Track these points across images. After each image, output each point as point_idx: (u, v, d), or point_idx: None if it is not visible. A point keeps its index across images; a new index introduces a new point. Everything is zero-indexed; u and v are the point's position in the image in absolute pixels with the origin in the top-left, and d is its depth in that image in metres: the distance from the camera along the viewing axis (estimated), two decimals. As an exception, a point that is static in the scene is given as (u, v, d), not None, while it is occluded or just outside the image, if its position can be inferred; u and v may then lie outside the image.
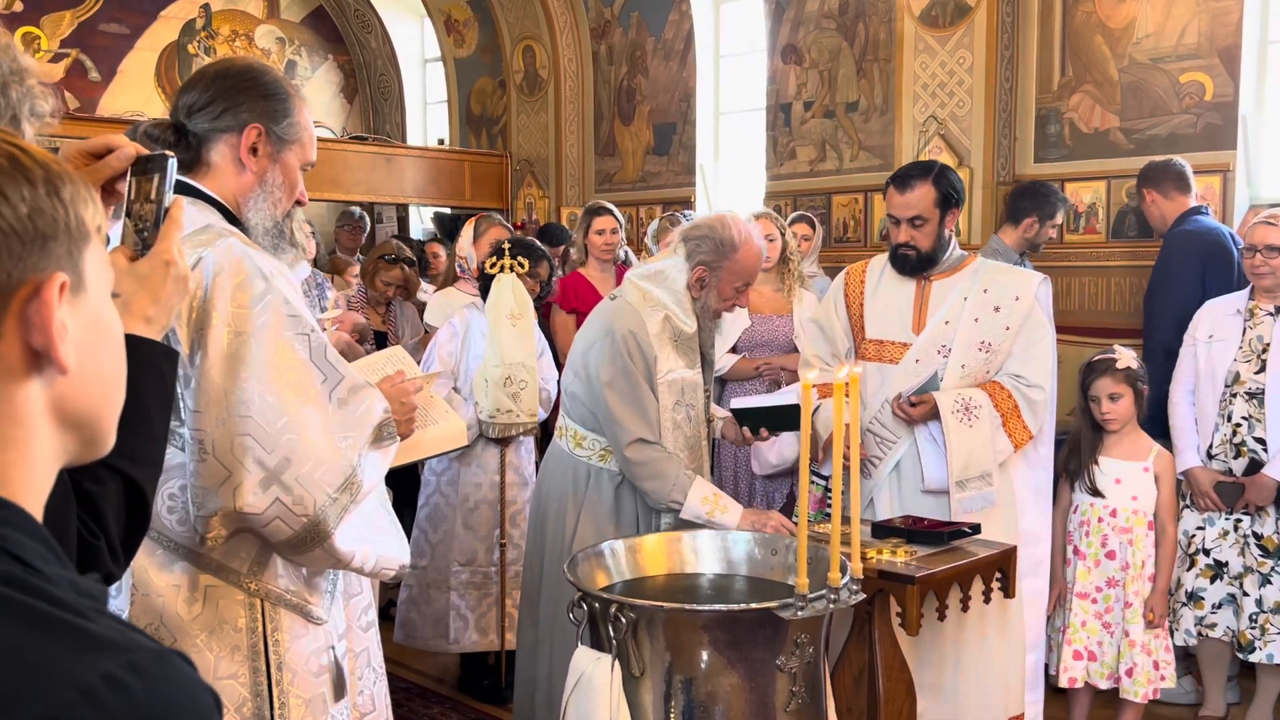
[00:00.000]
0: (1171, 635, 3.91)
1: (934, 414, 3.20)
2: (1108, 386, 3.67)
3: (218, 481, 1.76)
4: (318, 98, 10.55)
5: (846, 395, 2.18)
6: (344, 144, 8.90)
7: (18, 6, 8.67)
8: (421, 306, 5.79)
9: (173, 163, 1.43)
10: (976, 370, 3.26)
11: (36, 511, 0.82)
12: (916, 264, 3.31)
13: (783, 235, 4.64)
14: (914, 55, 6.26)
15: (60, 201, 0.81)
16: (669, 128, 8.26)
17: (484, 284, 4.28)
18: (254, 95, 1.94)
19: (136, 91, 9.35)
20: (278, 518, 1.77)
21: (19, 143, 0.82)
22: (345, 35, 10.67)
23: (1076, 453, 3.77)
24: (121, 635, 0.72)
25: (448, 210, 9.43)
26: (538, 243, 4.63)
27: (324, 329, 4.32)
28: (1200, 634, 3.93)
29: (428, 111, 10.78)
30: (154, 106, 9.39)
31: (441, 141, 10.05)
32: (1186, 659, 4.20)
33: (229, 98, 1.92)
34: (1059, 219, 5.27)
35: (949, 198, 3.23)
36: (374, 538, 1.94)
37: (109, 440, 0.90)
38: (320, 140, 8.09)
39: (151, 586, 1.84)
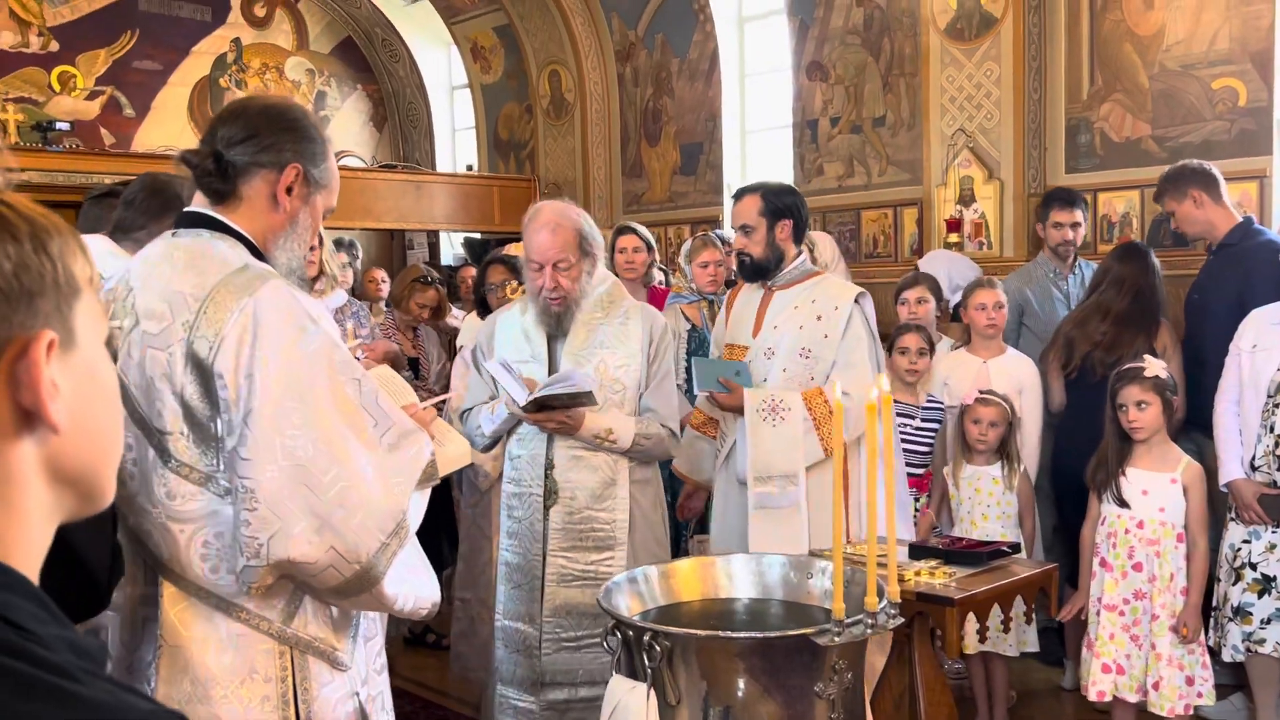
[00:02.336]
0: (1219, 651, 3.82)
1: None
2: (1136, 394, 3.62)
3: (270, 531, 1.73)
4: (348, 127, 10.67)
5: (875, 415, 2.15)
6: (374, 172, 8.98)
7: (54, 46, 8.84)
8: (449, 330, 5.84)
9: None
10: (799, 375, 3.48)
11: (32, 571, 0.80)
12: (752, 270, 3.61)
13: (810, 250, 4.60)
14: (940, 68, 6.23)
15: (48, 256, 0.80)
16: (695, 148, 8.27)
17: (480, 305, 4.42)
18: (297, 136, 1.93)
19: (170, 126, 9.49)
20: (331, 565, 1.75)
21: (3, 198, 0.80)
22: (374, 65, 10.78)
23: (1104, 463, 3.72)
24: (113, 698, 0.71)
25: (477, 235, 9.49)
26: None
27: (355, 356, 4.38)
28: (1249, 649, 3.84)
29: (456, 138, 10.86)
30: (187, 140, 9.52)
31: (470, 167, 10.12)
32: (1237, 675, 4.11)
33: (272, 134, 1.90)
34: (1055, 215, 5.00)
35: (776, 210, 3.51)
36: (411, 578, 1.93)
37: (108, 494, 0.89)
38: (350, 169, 8.20)
39: (180, 637, 1.82)
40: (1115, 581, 3.61)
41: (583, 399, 2.98)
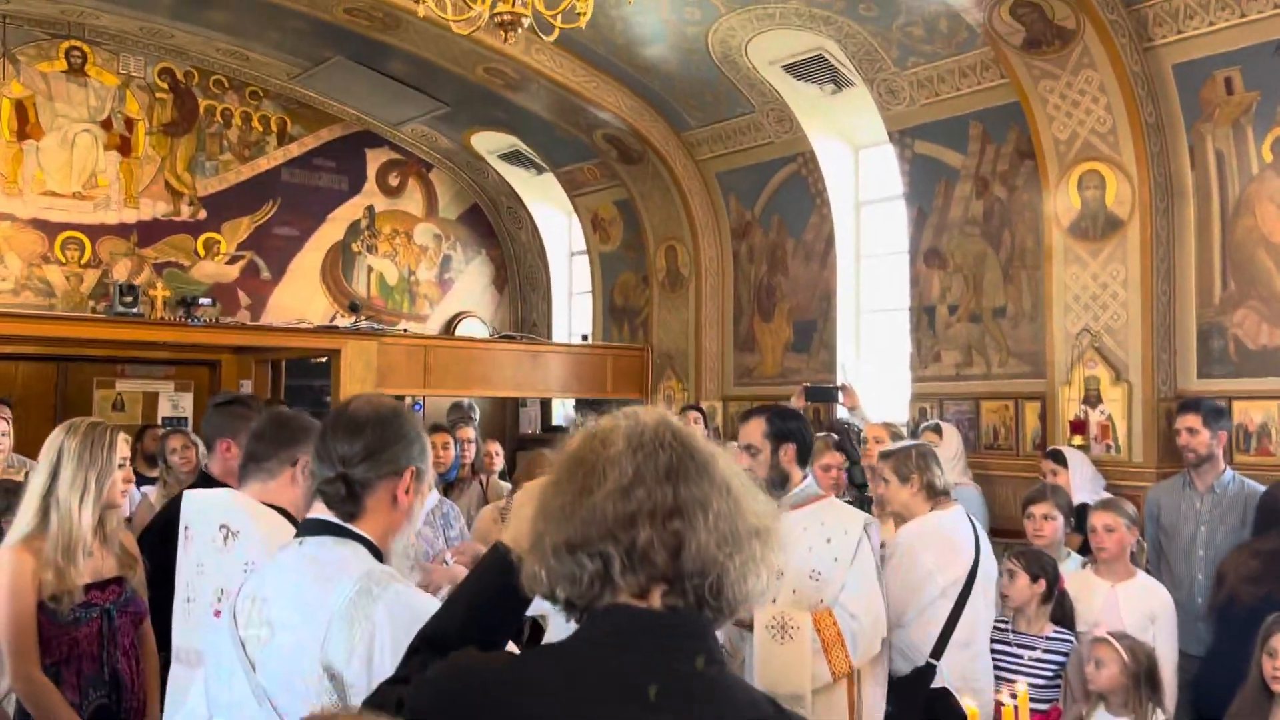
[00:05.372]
0: None
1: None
2: None
3: None
4: (470, 288, 11.03)
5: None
6: (493, 344, 9.20)
7: (202, 215, 9.42)
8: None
9: None
10: (809, 597, 3.47)
11: None
12: None
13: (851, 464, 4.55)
14: (1064, 265, 6.14)
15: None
16: (809, 325, 8.28)
17: None
18: (407, 441, 2.07)
19: (301, 287, 9.95)
20: None
21: None
22: (497, 230, 11.19)
23: (1242, 714, 3.40)
24: None
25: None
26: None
27: (444, 561, 4.41)
28: None
29: (573, 301, 11.12)
30: (317, 302, 9.97)
31: (585, 337, 10.31)
32: None
33: (388, 447, 2.04)
34: (1175, 420, 5.00)
35: (780, 433, 3.61)
36: None
37: None
38: (472, 340, 8.42)
39: None
40: None
41: None
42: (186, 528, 2.84)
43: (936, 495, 4.08)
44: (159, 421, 8.67)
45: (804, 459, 3.70)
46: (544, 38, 3.94)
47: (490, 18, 3.59)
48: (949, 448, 5.92)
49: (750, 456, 3.67)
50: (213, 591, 2.61)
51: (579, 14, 3.70)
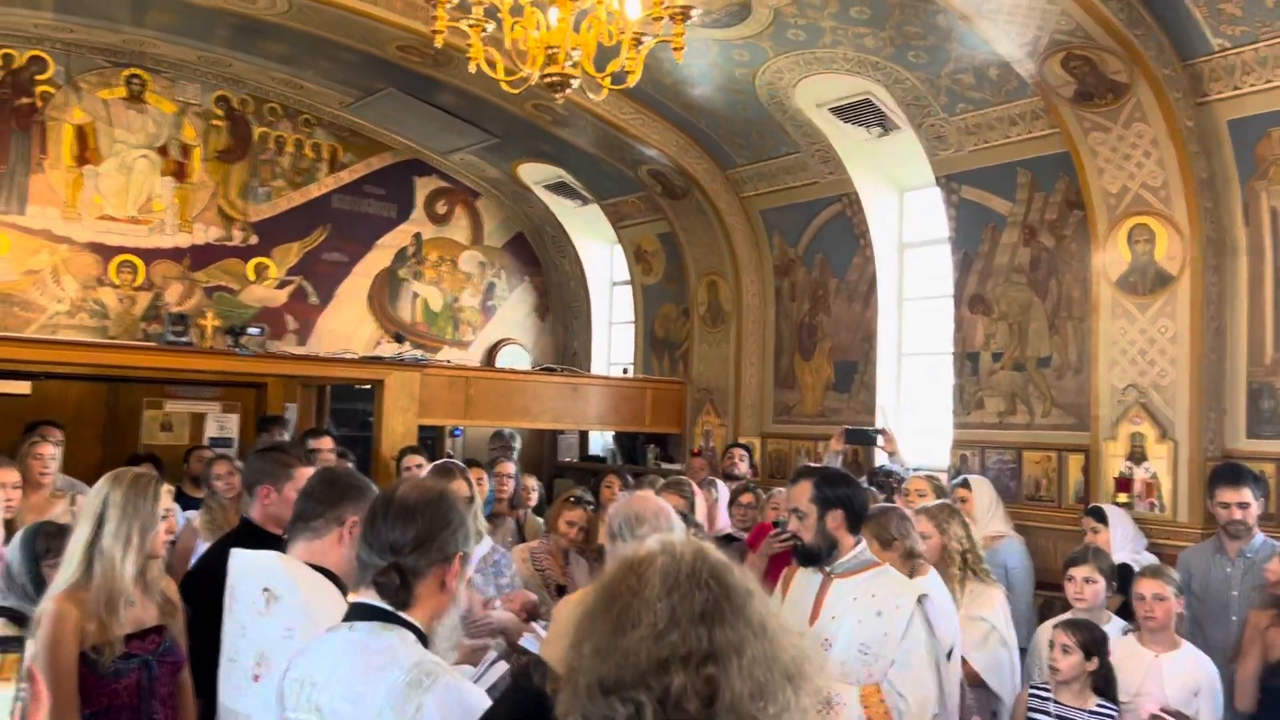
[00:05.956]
0: None
1: None
2: None
3: None
4: (513, 315, 11.11)
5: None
6: (535, 376, 9.24)
7: (253, 240, 9.57)
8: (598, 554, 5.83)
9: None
10: (857, 671, 3.33)
11: None
12: (803, 554, 3.56)
13: (941, 532, 4.43)
14: (1111, 319, 6.07)
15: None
16: (850, 365, 8.24)
17: None
18: (454, 527, 2.10)
19: (349, 313, 10.07)
20: None
21: None
22: (541, 259, 11.26)
23: None
24: None
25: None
26: None
27: (493, 607, 4.42)
28: None
29: (613, 331, 11.16)
30: (364, 327, 10.09)
31: (626, 370, 10.33)
32: None
33: (438, 534, 2.07)
34: (1221, 494, 4.83)
35: (827, 499, 3.49)
36: None
37: None
38: (513, 372, 8.45)
39: None
40: None
41: None
42: (233, 587, 2.88)
43: (914, 560, 4.04)
44: (205, 442, 8.79)
45: (854, 525, 3.54)
46: (593, 97, 3.97)
47: (540, 78, 3.63)
48: (981, 499, 5.87)
49: (797, 520, 3.55)
50: (253, 655, 2.63)
51: (628, 73, 3.73)
